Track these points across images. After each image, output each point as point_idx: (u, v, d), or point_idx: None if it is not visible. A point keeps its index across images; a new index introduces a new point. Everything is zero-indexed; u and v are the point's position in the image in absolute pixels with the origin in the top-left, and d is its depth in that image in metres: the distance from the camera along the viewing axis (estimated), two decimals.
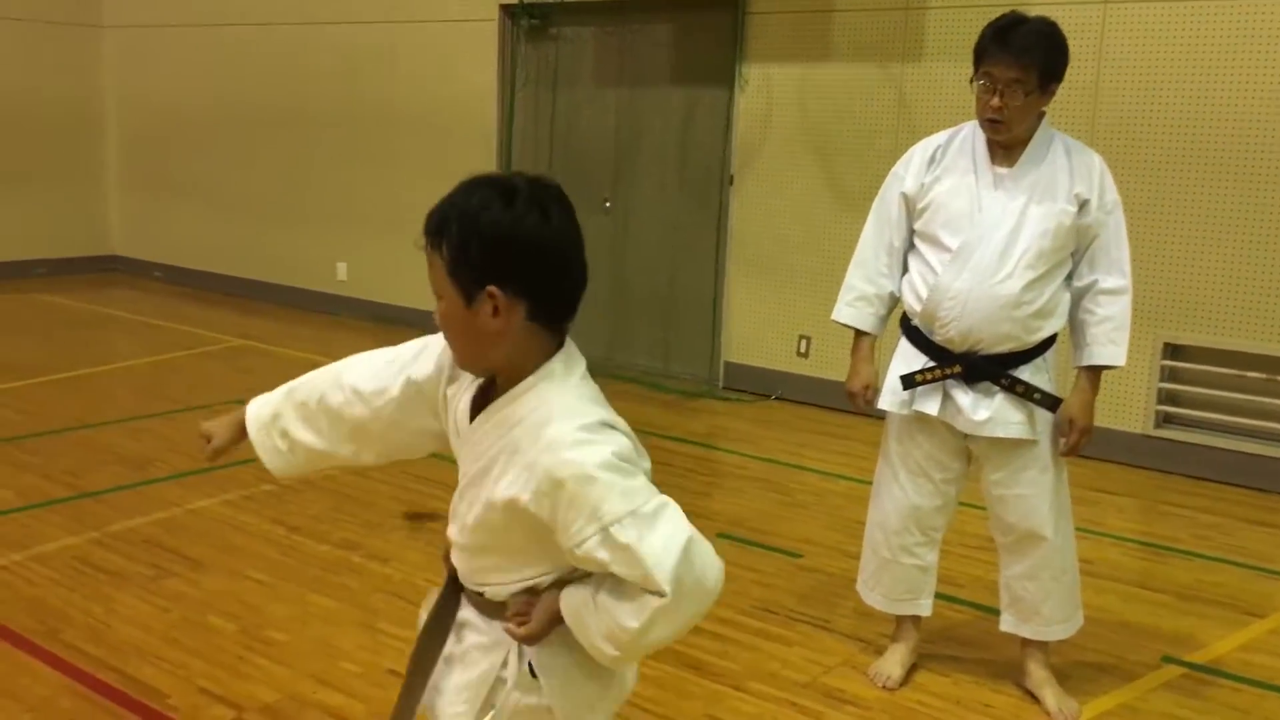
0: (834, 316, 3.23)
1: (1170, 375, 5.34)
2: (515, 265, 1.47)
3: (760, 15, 6.39)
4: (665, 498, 1.48)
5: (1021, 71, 2.82)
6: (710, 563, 1.47)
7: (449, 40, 7.79)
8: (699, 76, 6.77)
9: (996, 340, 2.93)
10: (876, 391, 3.18)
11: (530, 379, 1.53)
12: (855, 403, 3.22)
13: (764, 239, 6.54)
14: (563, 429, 1.47)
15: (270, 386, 1.89)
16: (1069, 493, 3.13)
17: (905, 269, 3.13)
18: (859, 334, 3.20)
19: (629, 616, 1.46)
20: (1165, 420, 5.37)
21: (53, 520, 4.26)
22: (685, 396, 6.58)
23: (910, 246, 3.12)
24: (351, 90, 8.39)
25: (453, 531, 1.68)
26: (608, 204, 7.28)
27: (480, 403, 1.60)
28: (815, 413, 6.31)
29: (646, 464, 1.52)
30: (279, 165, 8.98)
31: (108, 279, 10.04)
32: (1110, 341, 2.95)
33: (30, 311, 8.52)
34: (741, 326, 6.71)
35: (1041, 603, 3.11)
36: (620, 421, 1.53)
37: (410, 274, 8.15)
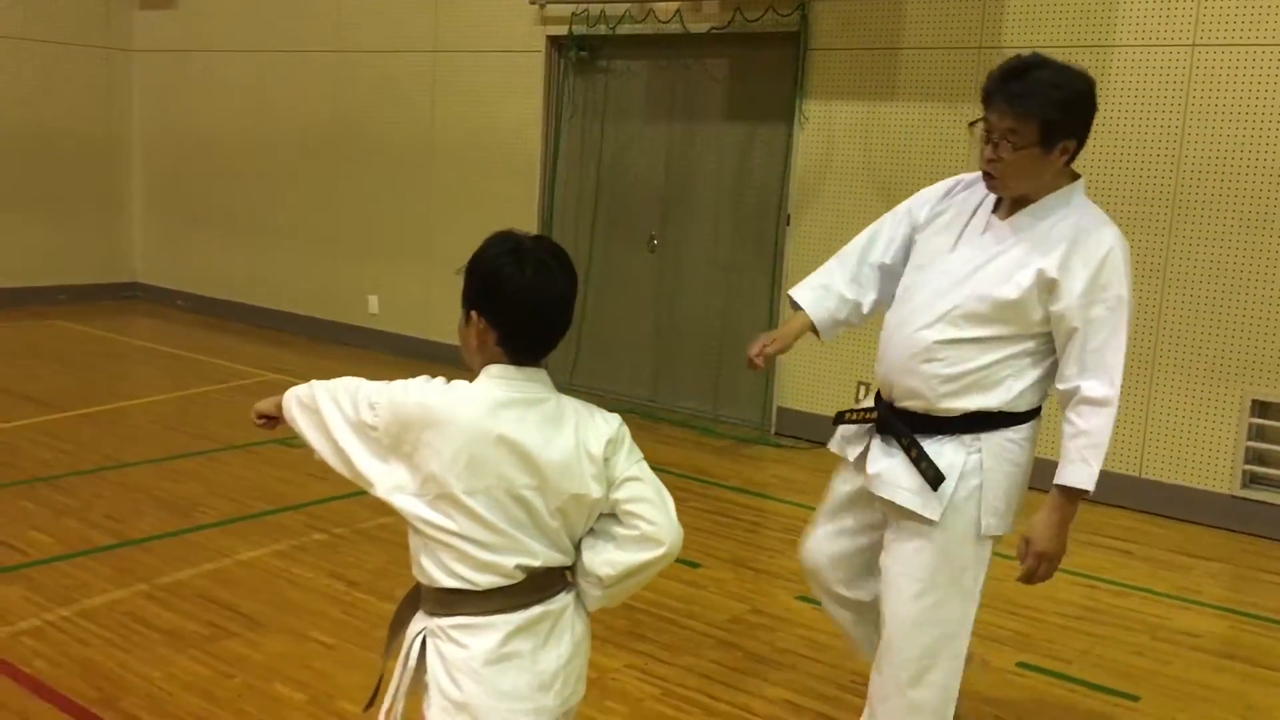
0: (791, 291, 2.90)
1: (1258, 434, 5.12)
2: (488, 300, 1.80)
3: (823, 51, 6.21)
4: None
5: (1016, 122, 2.40)
6: None
7: (493, 70, 7.60)
8: (756, 113, 6.59)
9: (904, 394, 2.57)
10: (769, 354, 2.81)
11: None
12: (750, 355, 2.81)
13: None
14: None
15: None
16: (970, 617, 2.57)
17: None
18: (798, 311, 2.85)
19: None
20: (1252, 480, 5.15)
21: (99, 570, 4.02)
22: (737, 443, 6.35)
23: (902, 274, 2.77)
24: (390, 120, 8.20)
25: None
26: (655, 241, 7.08)
27: None
28: None
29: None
30: (311, 194, 8.78)
31: (129, 306, 9.82)
32: (1082, 460, 2.42)
33: (52, 339, 8.28)
34: (796, 371, 6.49)
35: (877, 704, 2.65)
36: (452, 386, 1.83)
37: (443, 309, 7.97)
